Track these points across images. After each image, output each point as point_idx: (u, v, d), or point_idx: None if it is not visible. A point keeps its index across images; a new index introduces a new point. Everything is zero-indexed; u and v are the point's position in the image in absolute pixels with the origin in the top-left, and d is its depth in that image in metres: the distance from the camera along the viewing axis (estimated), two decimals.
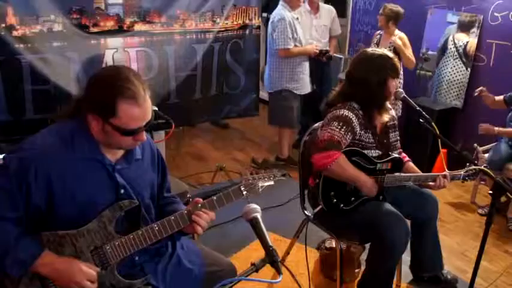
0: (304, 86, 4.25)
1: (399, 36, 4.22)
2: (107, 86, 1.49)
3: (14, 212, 1.48)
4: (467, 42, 4.34)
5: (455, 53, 4.47)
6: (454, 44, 4.48)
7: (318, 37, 4.69)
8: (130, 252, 1.60)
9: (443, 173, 2.41)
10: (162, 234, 1.63)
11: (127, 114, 1.48)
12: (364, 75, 2.31)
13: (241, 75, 3.66)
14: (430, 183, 2.41)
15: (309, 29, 4.65)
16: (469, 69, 4.37)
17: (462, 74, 4.42)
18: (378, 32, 4.59)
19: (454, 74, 4.51)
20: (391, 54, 2.36)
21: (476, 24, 4.25)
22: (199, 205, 1.65)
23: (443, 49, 4.60)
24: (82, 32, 2.79)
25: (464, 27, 4.37)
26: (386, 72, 2.29)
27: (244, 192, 1.68)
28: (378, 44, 4.43)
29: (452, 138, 4.33)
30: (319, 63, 4.69)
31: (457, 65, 4.48)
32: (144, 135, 1.57)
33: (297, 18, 4.04)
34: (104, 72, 1.60)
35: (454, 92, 4.53)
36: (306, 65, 4.25)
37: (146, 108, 1.51)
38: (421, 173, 2.50)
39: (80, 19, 2.77)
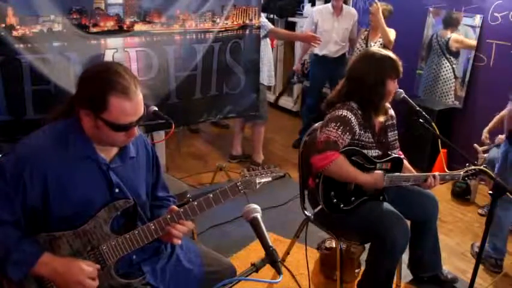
0: (269, 76, 4.32)
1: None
2: (98, 80, 1.49)
3: (12, 215, 1.48)
4: (449, 38, 4.37)
5: (439, 50, 4.51)
6: (438, 41, 4.51)
7: (338, 40, 4.67)
8: (127, 252, 1.60)
9: (434, 173, 2.40)
10: (159, 233, 1.62)
11: (118, 109, 1.47)
12: (362, 74, 2.31)
13: (241, 75, 3.65)
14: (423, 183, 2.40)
15: (329, 32, 4.64)
16: (453, 65, 4.41)
17: (446, 70, 4.47)
18: (365, 28, 4.62)
19: (439, 70, 4.55)
20: (394, 56, 2.34)
21: (459, 22, 4.33)
22: (181, 210, 1.64)
23: (429, 47, 4.64)
24: (82, 32, 2.78)
25: (448, 24, 4.41)
26: (385, 73, 2.29)
27: (241, 187, 1.68)
28: (366, 40, 4.47)
29: (452, 138, 4.33)
30: (333, 64, 4.68)
31: (441, 61, 4.52)
32: (136, 131, 1.57)
33: None
34: (95, 67, 1.59)
35: (440, 89, 4.56)
36: (270, 57, 4.36)
37: (138, 103, 1.51)
38: (416, 173, 2.50)
39: (80, 19, 2.76)
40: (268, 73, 4.27)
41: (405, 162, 2.54)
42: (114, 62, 1.65)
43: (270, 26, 4.15)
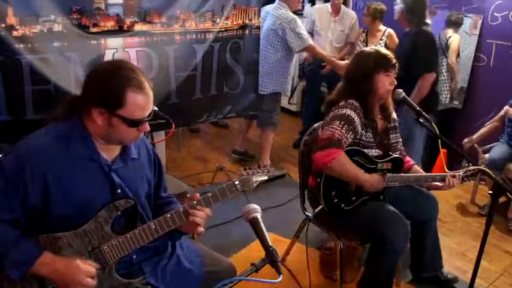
0: (287, 89, 4.29)
1: (388, 33, 4.30)
2: (113, 77, 1.50)
3: (11, 214, 1.48)
4: (449, 37, 4.36)
5: (440, 49, 4.49)
6: (439, 40, 4.50)
7: (332, 40, 4.66)
8: (128, 252, 1.60)
9: (448, 172, 2.40)
10: (159, 232, 1.63)
11: (134, 103, 1.50)
12: (352, 71, 2.38)
13: (240, 75, 3.65)
14: (439, 183, 2.40)
15: (326, 31, 4.64)
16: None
17: (442, 69, 4.44)
18: (363, 29, 4.63)
19: (439, 70, 4.51)
20: (382, 50, 2.36)
21: (465, 23, 4.30)
22: (195, 202, 1.65)
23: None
24: (82, 32, 2.77)
25: (451, 24, 4.39)
26: (370, 67, 2.31)
27: (238, 186, 1.69)
28: (366, 42, 4.47)
29: (452, 138, 4.33)
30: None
31: (441, 61, 4.49)
32: (148, 126, 1.58)
33: None
34: (106, 65, 1.62)
35: (439, 89, 4.54)
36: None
37: (150, 97, 1.55)
38: (422, 174, 2.49)
39: (80, 19, 2.76)
40: (288, 85, 4.24)
41: (417, 167, 2.54)
42: (122, 59, 1.67)
43: (310, 41, 3.93)
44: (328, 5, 4.67)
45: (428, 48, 3.38)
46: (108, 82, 1.50)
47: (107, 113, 1.50)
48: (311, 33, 4.70)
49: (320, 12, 4.67)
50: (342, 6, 4.70)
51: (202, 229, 1.67)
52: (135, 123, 1.53)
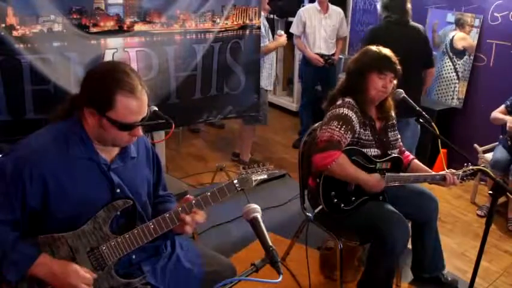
0: (271, 82, 4.36)
1: None
2: (105, 78, 1.49)
3: (10, 215, 1.48)
4: (453, 36, 4.34)
5: (444, 49, 4.49)
6: (445, 40, 4.50)
7: (326, 37, 4.73)
8: (127, 252, 1.60)
9: (446, 171, 2.40)
10: (158, 232, 1.63)
11: (125, 107, 1.48)
12: (351, 63, 2.38)
13: (241, 75, 3.65)
14: (441, 181, 2.40)
15: (318, 29, 4.71)
16: (456, 65, 4.39)
17: (449, 70, 4.44)
18: None
19: (442, 70, 4.52)
20: (385, 51, 2.32)
21: (471, 23, 4.28)
22: (193, 202, 1.66)
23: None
24: (82, 32, 2.78)
25: (459, 25, 4.39)
26: (365, 65, 2.30)
27: (237, 185, 1.68)
28: None
29: (452, 138, 4.33)
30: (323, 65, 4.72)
31: (445, 60, 4.49)
32: (141, 131, 1.57)
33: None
34: (102, 66, 1.61)
35: (443, 89, 4.53)
36: (273, 62, 4.39)
37: (143, 102, 1.52)
38: (422, 173, 2.49)
39: (80, 19, 2.76)
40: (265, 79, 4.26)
41: (416, 161, 2.54)
42: (121, 62, 1.67)
43: (264, 43, 4.02)
44: (315, 4, 4.74)
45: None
46: (100, 83, 1.49)
47: (97, 114, 1.50)
48: (300, 36, 4.78)
49: (309, 13, 4.74)
50: (329, 4, 4.76)
51: (190, 231, 1.67)
52: (125, 127, 1.51)
